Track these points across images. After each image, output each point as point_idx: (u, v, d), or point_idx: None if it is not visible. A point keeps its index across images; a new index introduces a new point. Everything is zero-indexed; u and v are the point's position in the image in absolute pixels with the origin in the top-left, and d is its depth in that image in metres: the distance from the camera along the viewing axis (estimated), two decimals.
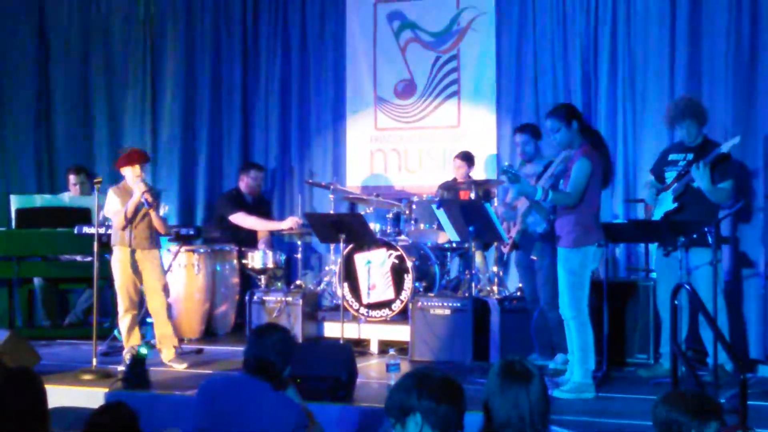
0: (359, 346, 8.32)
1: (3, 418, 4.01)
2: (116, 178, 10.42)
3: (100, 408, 4.27)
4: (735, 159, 7.43)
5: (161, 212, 7.71)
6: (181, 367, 7.50)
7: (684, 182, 7.07)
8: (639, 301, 7.68)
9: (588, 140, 6.58)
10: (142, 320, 7.83)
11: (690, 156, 7.18)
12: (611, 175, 6.82)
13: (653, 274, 7.67)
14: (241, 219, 9.61)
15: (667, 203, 7.15)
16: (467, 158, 9.14)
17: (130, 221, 7.47)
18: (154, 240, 7.63)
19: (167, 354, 7.58)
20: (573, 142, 6.57)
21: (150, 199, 7.40)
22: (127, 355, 6.92)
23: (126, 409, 4.21)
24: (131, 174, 7.52)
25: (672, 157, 7.36)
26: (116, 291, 7.63)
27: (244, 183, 9.90)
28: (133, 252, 7.51)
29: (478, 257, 8.84)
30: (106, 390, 6.57)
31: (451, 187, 9.12)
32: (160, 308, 7.58)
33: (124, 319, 7.55)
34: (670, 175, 7.28)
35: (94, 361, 7.26)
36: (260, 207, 9.95)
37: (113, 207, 7.56)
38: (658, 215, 7.19)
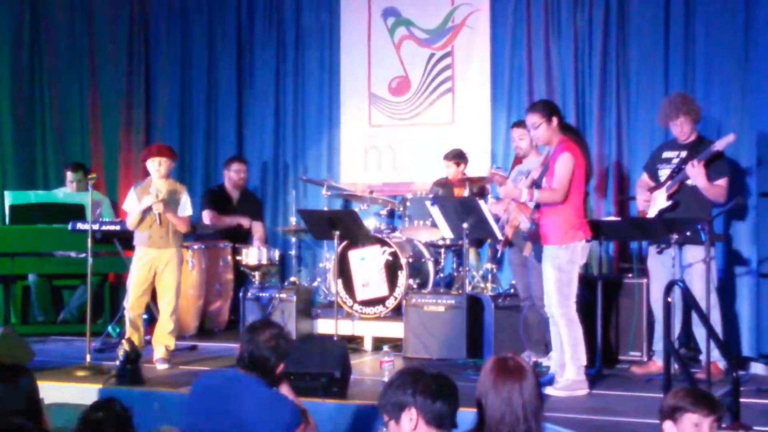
0: (353, 342, 8.33)
1: None
2: (108, 176, 10.53)
3: (94, 404, 4.27)
4: (728, 156, 7.45)
5: (180, 211, 7.64)
6: (162, 368, 7.46)
7: (678, 180, 7.08)
8: (632, 298, 7.70)
9: (567, 136, 6.59)
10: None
11: (683, 153, 7.19)
12: (592, 170, 6.82)
13: (647, 272, 7.68)
14: (207, 218, 9.60)
15: (660, 201, 7.16)
16: (455, 156, 9.11)
17: (138, 224, 7.52)
18: (173, 239, 7.61)
19: (157, 352, 7.58)
20: (552, 139, 6.58)
21: (160, 214, 7.44)
22: (120, 352, 6.92)
23: (119, 406, 4.21)
24: (152, 168, 7.56)
25: (666, 154, 7.37)
26: (127, 287, 7.67)
27: (228, 178, 9.91)
28: (151, 251, 7.54)
29: (471, 254, 8.85)
30: (100, 386, 6.57)
31: (445, 184, 9.13)
32: (166, 307, 7.60)
33: (127, 314, 7.59)
34: (663, 172, 7.29)
35: (88, 358, 7.25)
36: (247, 202, 9.94)
37: (130, 205, 7.61)
38: (651, 213, 7.20)
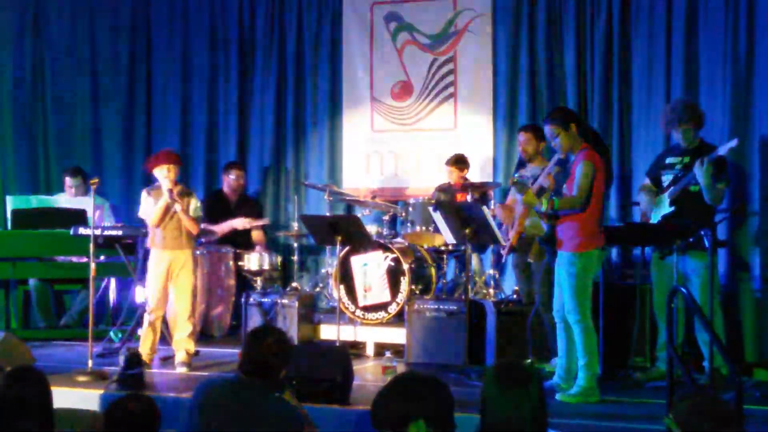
0: (355, 348, 8.32)
1: (9, 416, 4.02)
2: (109, 181, 10.50)
3: (125, 396, 4.27)
4: (731, 162, 7.43)
5: (192, 212, 7.71)
6: (181, 370, 7.52)
7: (681, 185, 7.07)
8: (635, 304, 7.67)
9: (589, 141, 6.58)
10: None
11: (687, 159, 7.18)
12: (612, 177, 6.81)
13: (650, 277, 7.66)
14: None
15: (664, 206, 7.15)
16: (457, 162, 9.09)
17: (161, 221, 7.55)
18: (186, 240, 7.67)
19: (178, 356, 7.64)
20: (574, 146, 6.55)
21: (175, 194, 7.50)
22: (122, 357, 6.92)
23: (149, 399, 4.22)
24: (161, 175, 7.57)
25: (669, 160, 7.36)
26: (147, 289, 7.73)
27: (227, 183, 9.90)
28: (166, 253, 7.59)
29: (474, 259, 8.83)
30: (101, 391, 6.57)
31: (447, 189, 9.12)
32: (183, 311, 7.66)
33: (148, 317, 7.66)
34: (666, 178, 7.28)
35: (90, 363, 7.25)
36: (245, 206, 9.91)
37: (147, 207, 7.68)
38: (655, 219, 7.19)
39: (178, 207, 7.57)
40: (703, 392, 5.13)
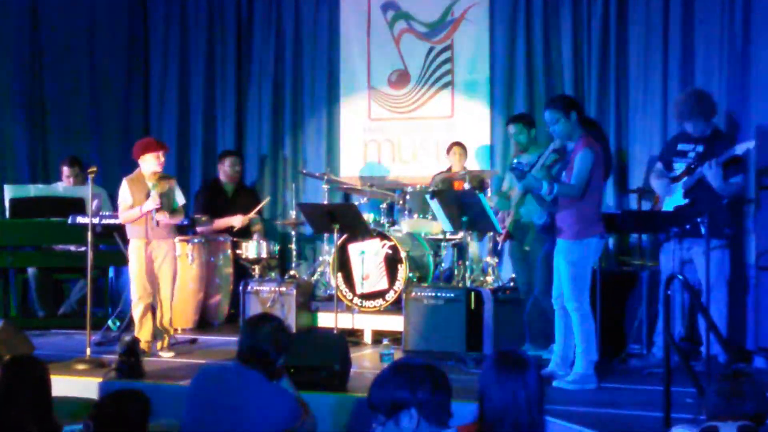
0: (353, 336, 8.32)
1: (9, 405, 4.03)
2: (107, 169, 10.50)
3: (111, 394, 4.26)
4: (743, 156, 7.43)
5: (179, 202, 7.76)
6: (167, 356, 7.55)
7: (695, 178, 7.07)
8: (632, 291, 7.69)
9: (588, 131, 6.58)
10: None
11: (699, 147, 7.17)
12: (611, 166, 6.81)
13: (649, 264, 7.69)
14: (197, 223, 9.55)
15: (677, 196, 7.15)
16: (461, 144, 9.16)
17: (133, 222, 7.60)
18: (168, 230, 7.69)
19: (159, 343, 7.68)
20: (572, 134, 6.55)
21: (158, 219, 7.52)
22: (120, 345, 6.93)
23: (137, 395, 4.20)
24: (151, 161, 7.61)
25: (681, 147, 7.34)
26: (131, 279, 7.74)
27: (222, 172, 9.89)
28: (148, 242, 7.59)
29: (471, 247, 8.84)
30: (100, 380, 6.59)
31: (445, 177, 9.13)
32: (167, 299, 7.69)
33: (137, 308, 7.67)
34: (678, 165, 7.27)
35: (88, 351, 7.27)
36: (242, 196, 9.92)
37: (124, 201, 7.66)
38: (667, 207, 7.19)
39: (161, 216, 7.58)
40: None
